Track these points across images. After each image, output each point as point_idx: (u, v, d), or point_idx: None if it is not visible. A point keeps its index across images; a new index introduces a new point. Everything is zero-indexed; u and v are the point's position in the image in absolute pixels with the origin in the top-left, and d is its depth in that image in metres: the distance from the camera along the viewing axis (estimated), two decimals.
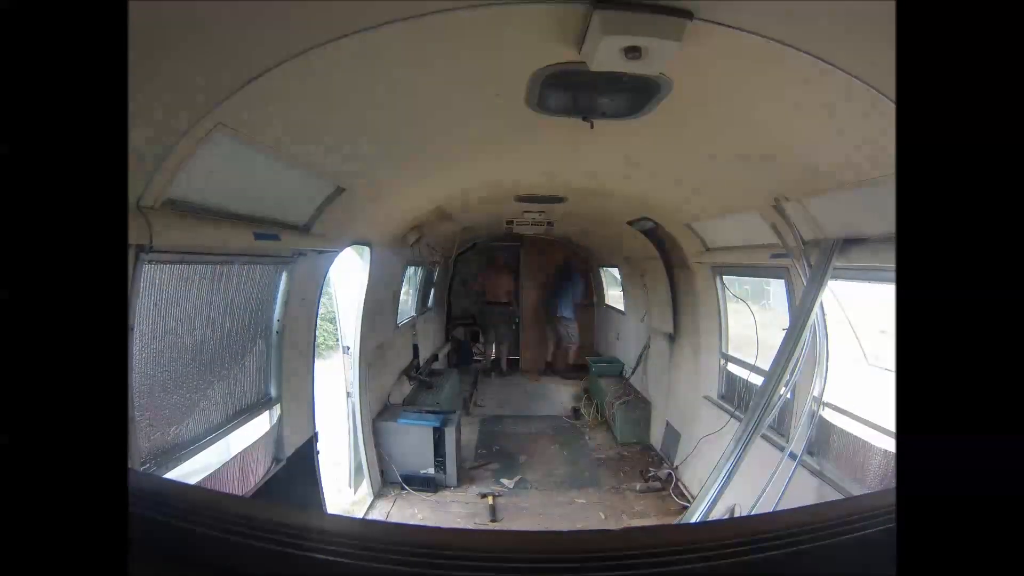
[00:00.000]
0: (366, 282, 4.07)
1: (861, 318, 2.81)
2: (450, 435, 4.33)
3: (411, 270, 5.64)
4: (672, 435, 4.85)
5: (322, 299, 3.41)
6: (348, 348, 4.12)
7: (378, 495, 4.18)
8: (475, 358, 8.47)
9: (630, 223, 4.78)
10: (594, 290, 8.48)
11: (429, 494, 4.26)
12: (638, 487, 4.44)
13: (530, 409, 6.65)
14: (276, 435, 2.77)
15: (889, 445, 2.36)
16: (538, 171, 3.49)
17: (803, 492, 2.76)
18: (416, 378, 5.42)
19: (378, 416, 4.40)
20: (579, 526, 3.83)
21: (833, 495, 2.59)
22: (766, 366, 3.07)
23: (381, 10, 1.28)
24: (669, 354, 5.19)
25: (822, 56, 1.40)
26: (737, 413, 3.69)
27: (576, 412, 6.36)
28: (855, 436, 2.59)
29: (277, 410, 2.77)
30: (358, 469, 4.16)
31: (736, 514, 3.03)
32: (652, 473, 4.61)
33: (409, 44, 1.46)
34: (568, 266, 8.18)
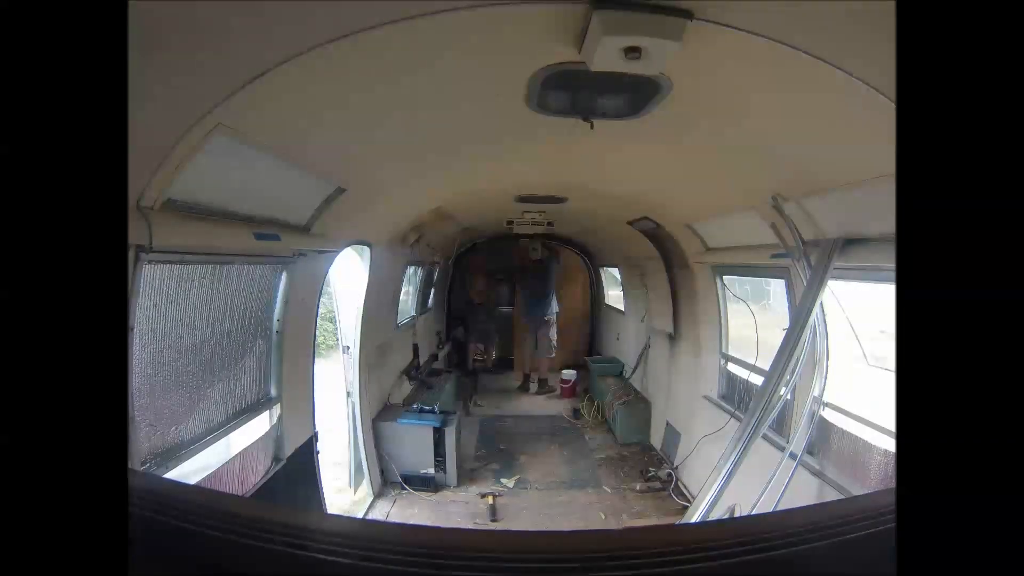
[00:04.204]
0: (366, 282, 4.07)
1: (861, 318, 2.81)
2: (450, 435, 4.33)
3: (411, 270, 5.64)
4: (672, 435, 4.85)
5: (322, 299, 3.41)
6: (348, 348, 4.12)
7: (378, 495, 4.18)
8: (475, 358, 8.37)
9: (630, 223, 4.78)
10: (593, 288, 8.48)
11: (429, 494, 4.26)
12: (638, 487, 4.44)
13: (530, 409, 6.64)
14: (276, 435, 2.77)
15: (889, 445, 2.36)
16: (538, 171, 3.49)
17: (803, 492, 2.75)
18: (416, 378, 5.42)
19: (378, 416, 4.40)
20: (579, 526, 3.83)
21: (833, 495, 2.59)
22: (766, 366, 3.07)
23: (381, 10, 1.28)
24: (669, 354, 5.18)
25: (822, 56, 1.40)
26: (737, 413, 3.69)
27: (576, 412, 6.36)
28: (855, 436, 2.59)
29: (277, 410, 2.77)
30: (358, 469, 4.16)
31: (736, 514, 3.02)
32: (652, 473, 4.61)
33: (409, 44, 1.46)
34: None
